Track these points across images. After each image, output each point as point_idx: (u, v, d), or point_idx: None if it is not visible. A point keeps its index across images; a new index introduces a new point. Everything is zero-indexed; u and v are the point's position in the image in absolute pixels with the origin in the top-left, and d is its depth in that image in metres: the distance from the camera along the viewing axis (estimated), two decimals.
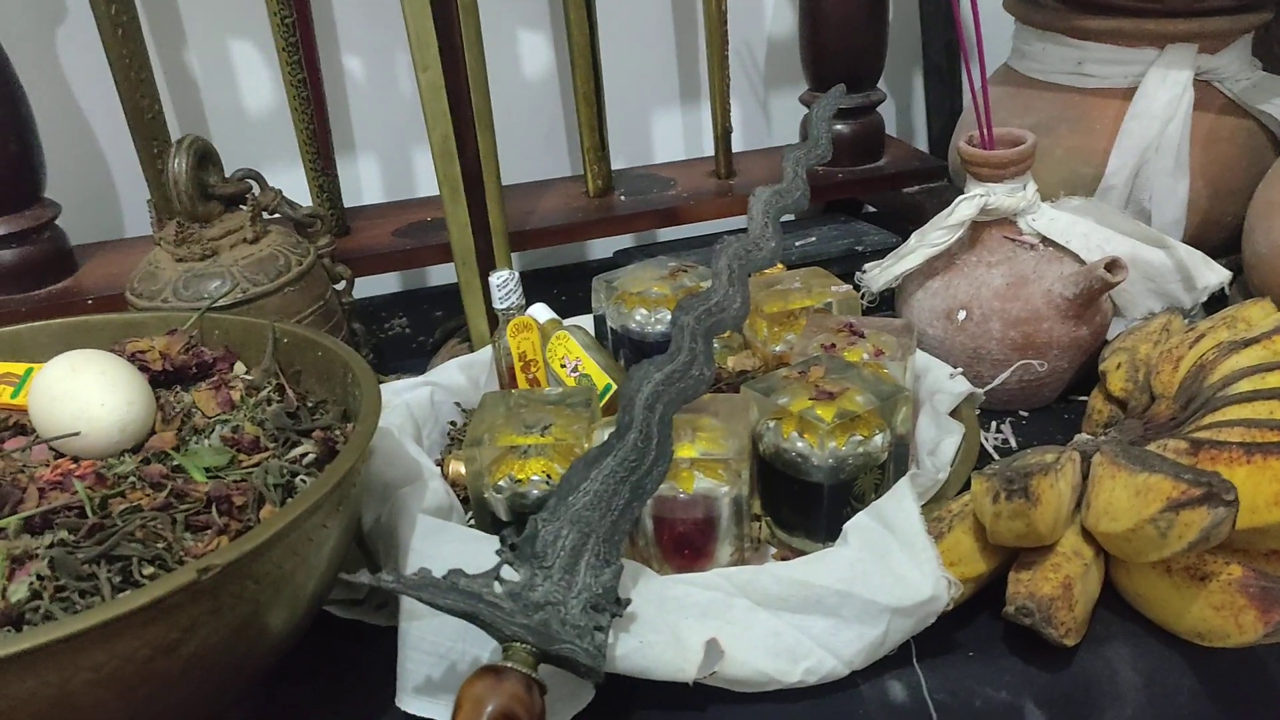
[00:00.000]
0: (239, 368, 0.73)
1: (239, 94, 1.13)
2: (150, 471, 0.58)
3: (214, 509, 0.56)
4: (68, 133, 1.08)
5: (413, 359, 1.05)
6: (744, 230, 0.78)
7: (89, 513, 0.55)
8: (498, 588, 0.54)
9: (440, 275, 1.23)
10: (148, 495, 0.57)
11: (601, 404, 0.77)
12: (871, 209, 1.27)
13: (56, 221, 0.97)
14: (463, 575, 0.54)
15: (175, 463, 0.60)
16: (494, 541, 0.63)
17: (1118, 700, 0.62)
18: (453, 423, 0.85)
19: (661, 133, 1.30)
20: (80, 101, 1.09)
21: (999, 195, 0.86)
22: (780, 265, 0.92)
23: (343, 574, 0.54)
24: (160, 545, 0.53)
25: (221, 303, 0.78)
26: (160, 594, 0.46)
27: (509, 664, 0.51)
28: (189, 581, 0.47)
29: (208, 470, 0.60)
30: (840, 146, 1.15)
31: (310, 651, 0.63)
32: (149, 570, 0.52)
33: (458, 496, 0.73)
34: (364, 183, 1.21)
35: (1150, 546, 0.60)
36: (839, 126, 1.15)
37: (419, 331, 1.13)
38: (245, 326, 0.74)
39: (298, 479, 0.59)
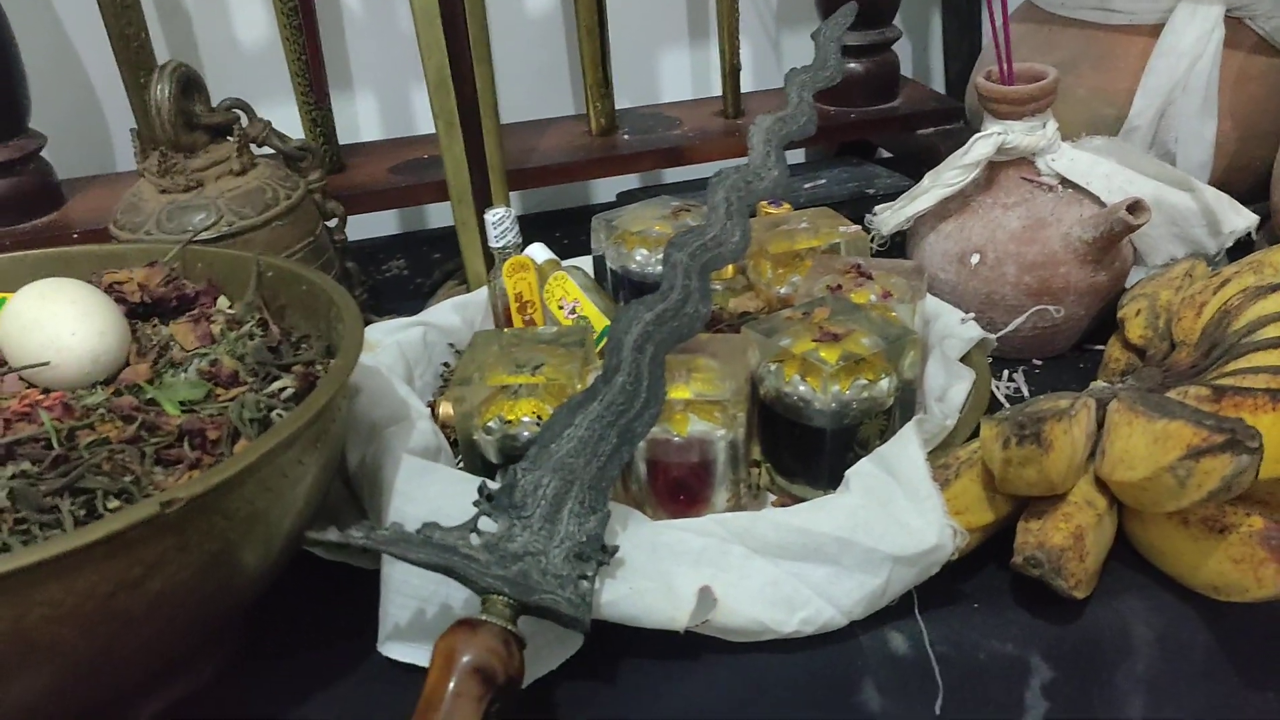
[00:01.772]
0: (222, 302, 0.70)
1: (231, 24, 1.10)
2: (121, 404, 0.56)
3: (186, 443, 0.54)
4: (54, 62, 1.05)
5: (410, 301, 1.02)
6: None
7: (55, 444, 0.53)
8: (474, 539, 0.51)
9: (439, 217, 1.20)
10: (117, 428, 0.54)
11: (599, 348, 0.74)
12: (885, 153, 1.23)
13: (42, 153, 0.94)
14: (437, 528, 0.51)
15: (149, 396, 0.58)
16: (483, 481, 0.60)
17: (1129, 655, 0.59)
18: (446, 364, 0.82)
19: (668, 70, 1.26)
20: (67, 29, 1.05)
21: (1017, 133, 0.82)
22: (787, 206, 0.89)
23: (309, 531, 0.51)
24: (128, 479, 0.51)
25: (205, 235, 0.76)
26: (119, 527, 0.44)
27: (485, 617, 0.49)
28: (151, 515, 0.44)
29: (183, 404, 0.58)
30: (852, 86, 1.11)
31: (290, 592, 0.61)
32: (114, 504, 0.49)
33: (449, 439, 0.70)
34: (362, 120, 1.18)
35: (1168, 496, 0.57)
36: (851, 65, 1.10)
37: (417, 274, 1.10)
38: (229, 260, 0.72)
39: (274, 414, 0.57)
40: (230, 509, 0.49)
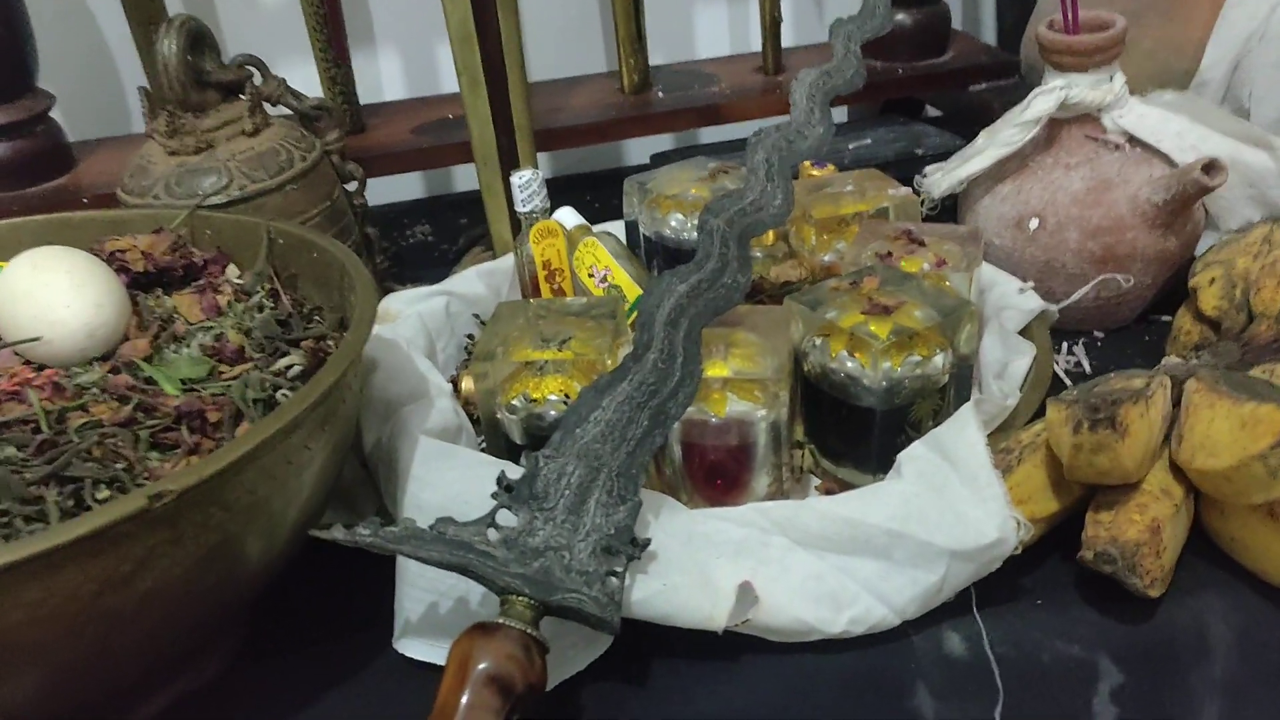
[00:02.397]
0: (231, 271, 0.66)
1: None
2: (116, 383, 0.52)
3: (184, 426, 0.50)
4: (65, 18, 1.01)
5: (434, 269, 0.98)
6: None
7: (43, 427, 0.49)
8: (492, 534, 0.47)
9: (465, 180, 1.16)
10: (111, 409, 0.50)
11: (630, 320, 0.69)
12: (934, 111, 1.17)
13: (51, 114, 0.90)
14: (451, 524, 0.47)
15: (147, 374, 0.54)
16: (502, 468, 0.56)
17: (1205, 656, 0.55)
18: (470, 336, 0.78)
19: (704, 24, 1.20)
20: None
21: (1082, 88, 0.76)
22: (832, 167, 0.84)
23: (312, 530, 0.47)
24: (120, 466, 0.47)
25: (215, 200, 0.72)
26: (103, 523, 0.40)
27: (503, 620, 0.45)
28: (139, 509, 0.41)
29: (184, 382, 0.54)
30: (899, 40, 1.05)
31: (300, 580, 0.57)
32: (104, 494, 0.46)
33: (471, 417, 0.66)
34: (385, 78, 1.13)
35: (1255, 487, 0.52)
36: (899, 16, 1.04)
37: (442, 239, 1.06)
38: (239, 226, 0.68)
39: (280, 394, 0.53)
40: (228, 500, 0.45)
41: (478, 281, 0.80)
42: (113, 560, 0.41)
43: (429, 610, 0.54)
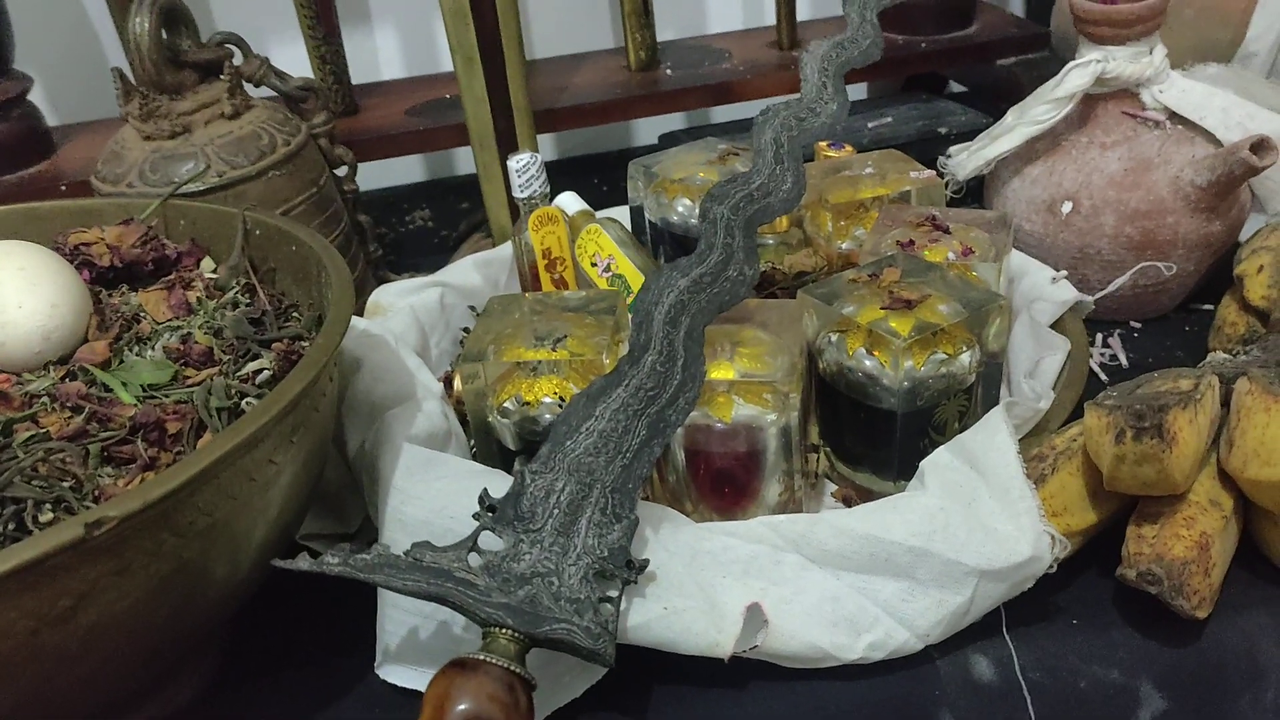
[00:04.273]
0: (206, 264, 0.62)
1: None
2: (67, 390, 0.48)
3: (140, 438, 0.45)
4: None
5: (433, 255, 0.95)
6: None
7: None
8: (474, 560, 0.43)
9: (467, 162, 1.11)
10: (62, 419, 0.46)
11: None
12: (959, 87, 1.11)
13: (28, 97, 0.86)
14: (429, 549, 0.43)
15: (101, 380, 0.50)
16: (493, 477, 0.52)
17: (1257, 681, 0.50)
18: (465, 330, 0.74)
19: None
20: None
21: (1120, 61, 0.71)
22: (849, 148, 0.78)
23: (275, 560, 0.43)
24: (66, 484, 0.43)
25: (192, 187, 0.68)
26: (33, 555, 0.36)
27: (484, 655, 0.40)
28: (74, 539, 0.36)
29: (145, 389, 0.50)
30: (922, 11, 1.01)
31: (277, 603, 0.53)
32: (47, 516, 0.42)
33: (464, 417, 0.62)
34: (381, 56, 1.08)
35: None
36: None
37: (442, 225, 1.02)
38: (214, 216, 0.63)
39: (245, 402, 0.48)
40: (181, 524, 0.41)
41: (474, 272, 0.76)
42: (49, 594, 0.37)
43: (411, 634, 0.50)
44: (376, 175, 0.98)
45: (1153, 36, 0.72)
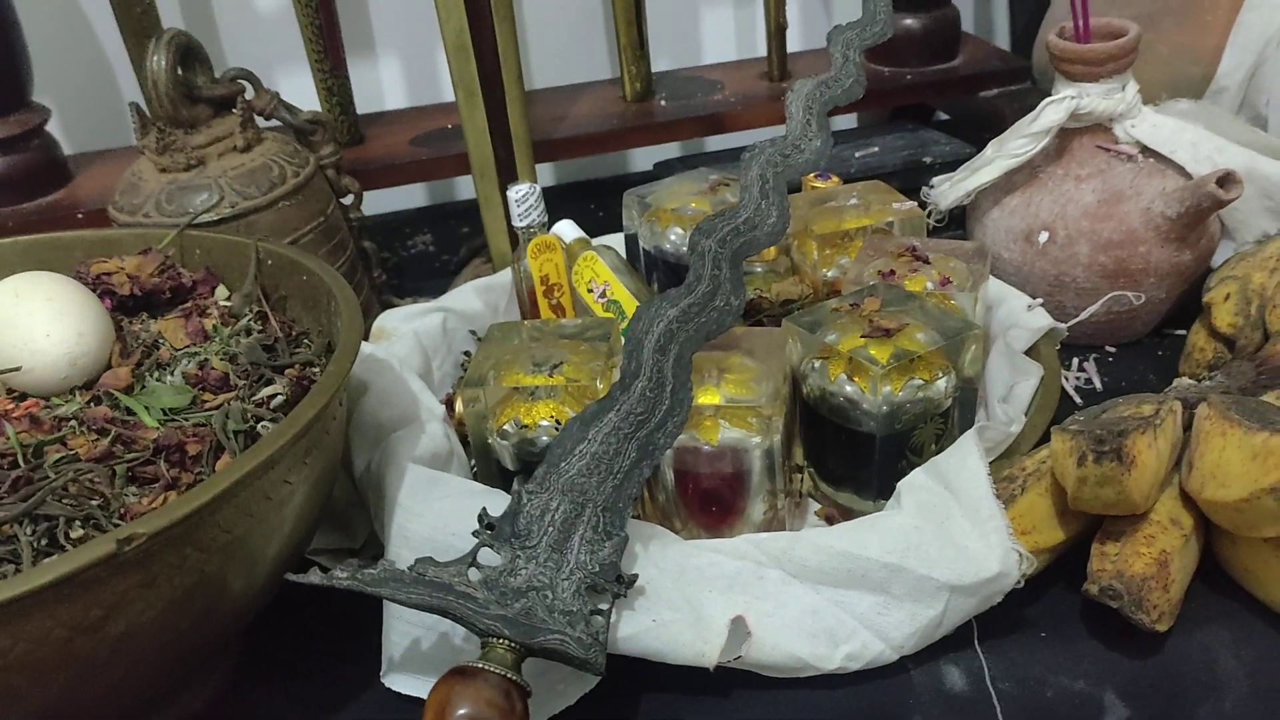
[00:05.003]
0: (220, 292, 0.65)
1: None
2: (94, 414, 0.51)
3: (162, 459, 0.49)
4: (64, 31, 1.00)
5: (435, 279, 0.97)
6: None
7: (20, 461, 0.48)
8: (473, 574, 0.46)
9: (468, 188, 1.13)
10: (90, 442, 0.49)
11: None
12: (943, 116, 1.15)
13: (46, 128, 0.89)
14: (431, 564, 0.46)
15: (126, 404, 0.53)
16: (492, 496, 0.55)
17: (1215, 691, 0.53)
18: (467, 353, 0.77)
19: (709, 29, 1.18)
20: None
21: (1093, 97, 0.74)
22: (835, 179, 0.82)
23: (289, 574, 0.46)
24: (95, 503, 0.46)
25: (206, 218, 0.71)
26: (70, 569, 0.39)
27: (483, 664, 0.43)
28: (107, 554, 0.39)
29: (166, 412, 0.53)
30: (909, 44, 1.03)
31: (288, 612, 0.56)
32: (78, 532, 0.45)
33: (465, 438, 0.65)
34: (385, 86, 1.12)
35: (1267, 520, 0.50)
36: (908, 21, 1.02)
37: (443, 249, 1.05)
38: (228, 246, 0.66)
39: (261, 425, 0.52)
40: (204, 540, 0.44)
41: (475, 297, 0.79)
42: (82, 605, 0.40)
43: (414, 644, 0.53)
44: (379, 200, 1.01)
45: (1125, 74, 0.75)
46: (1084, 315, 0.72)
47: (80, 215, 0.86)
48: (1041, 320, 0.69)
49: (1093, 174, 0.76)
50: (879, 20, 0.74)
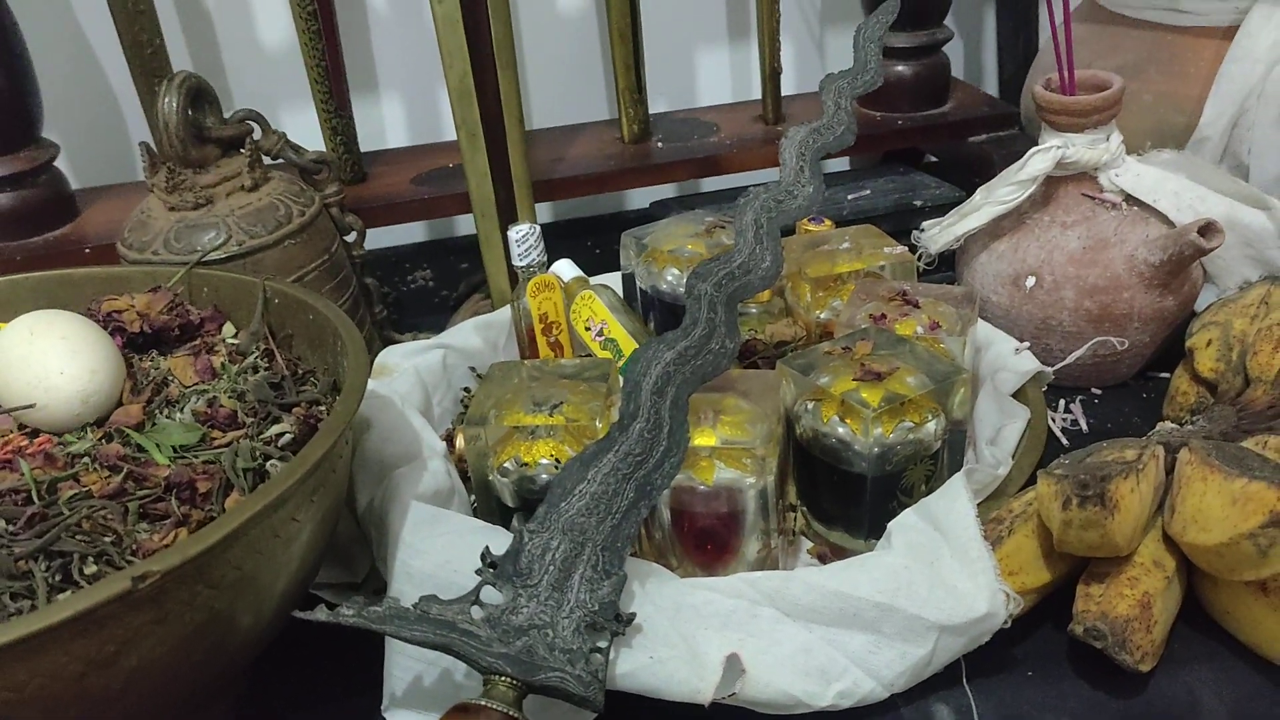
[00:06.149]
0: (227, 329, 0.67)
1: (254, 26, 1.06)
2: (107, 452, 0.52)
3: (173, 496, 0.50)
4: (73, 69, 1.02)
5: (434, 314, 0.99)
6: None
7: (35, 498, 0.49)
8: (476, 612, 0.47)
9: (468, 224, 1.15)
10: (102, 479, 0.51)
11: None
12: (933, 159, 1.17)
13: (55, 164, 0.91)
14: (435, 602, 0.47)
15: (137, 442, 0.54)
16: (492, 533, 0.56)
17: None
18: (466, 390, 0.78)
19: (704, 73, 1.21)
20: (87, 35, 1.02)
21: (1078, 147, 0.76)
22: (829, 222, 0.84)
23: (296, 611, 0.47)
24: (108, 539, 0.47)
25: (214, 256, 0.72)
26: (85, 606, 0.40)
27: (484, 701, 0.45)
28: (122, 591, 0.40)
29: (176, 450, 0.54)
30: (900, 90, 1.06)
31: (293, 645, 0.57)
32: (91, 568, 0.46)
33: (464, 474, 0.66)
34: (388, 124, 1.14)
35: (1246, 564, 0.52)
36: (899, 68, 1.05)
37: (443, 284, 1.06)
38: (235, 284, 0.68)
39: (270, 464, 0.53)
40: (214, 577, 0.45)
41: (474, 335, 0.80)
42: (97, 641, 0.41)
43: (417, 680, 0.54)
44: (380, 235, 1.03)
45: (1109, 125, 0.77)
46: (1070, 359, 0.74)
47: (87, 250, 0.87)
48: (1028, 364, 0.71)
49: (1078, 221, 0.78)
50: (869, 69, 0.76)
